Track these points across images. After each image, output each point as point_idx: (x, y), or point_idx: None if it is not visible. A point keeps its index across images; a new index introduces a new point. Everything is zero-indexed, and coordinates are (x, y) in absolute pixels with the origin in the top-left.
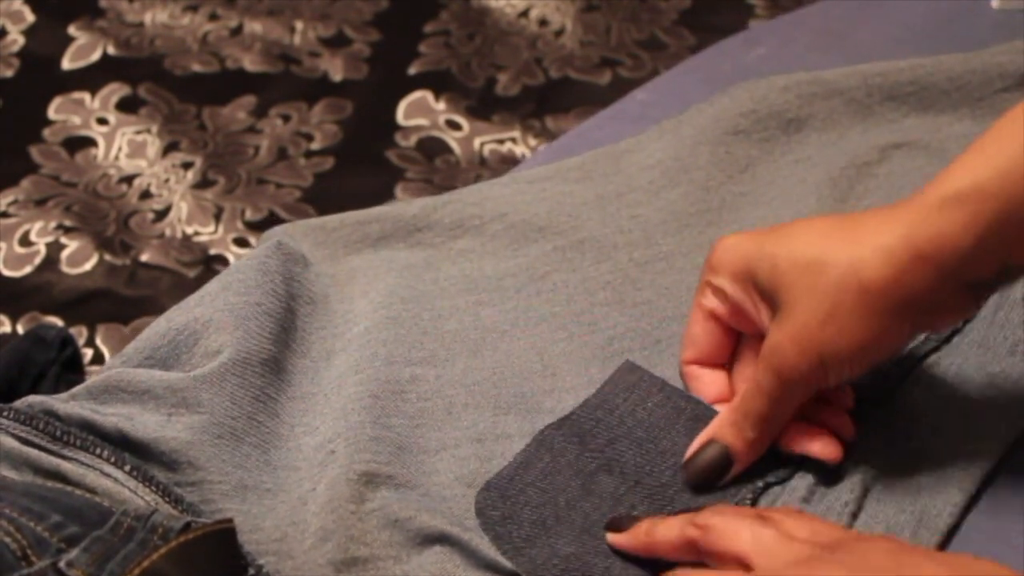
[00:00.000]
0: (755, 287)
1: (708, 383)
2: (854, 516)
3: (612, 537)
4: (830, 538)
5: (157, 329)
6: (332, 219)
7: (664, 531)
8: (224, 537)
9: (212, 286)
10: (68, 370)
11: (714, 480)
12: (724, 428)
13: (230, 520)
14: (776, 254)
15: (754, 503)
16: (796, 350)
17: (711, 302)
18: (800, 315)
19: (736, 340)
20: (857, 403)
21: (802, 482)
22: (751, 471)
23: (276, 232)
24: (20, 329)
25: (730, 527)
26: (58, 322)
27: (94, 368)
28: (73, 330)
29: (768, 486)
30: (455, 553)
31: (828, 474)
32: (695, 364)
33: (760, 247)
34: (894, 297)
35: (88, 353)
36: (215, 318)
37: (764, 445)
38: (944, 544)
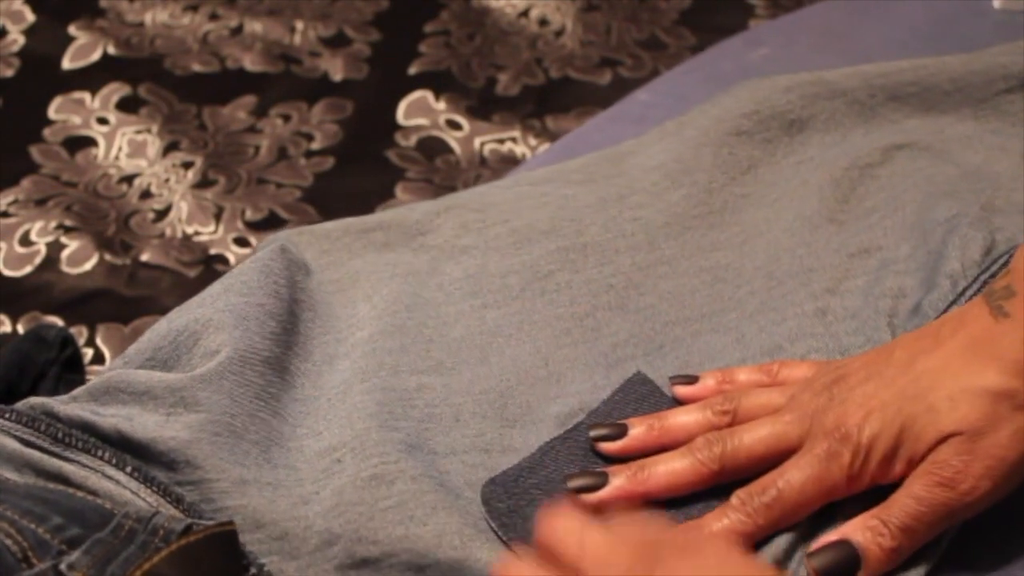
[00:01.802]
0: (908, 456)
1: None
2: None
3: (589, 498)
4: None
5: (158, 330)
6: (335, 226)
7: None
8: (225, 538)
9: (214, 288)
10: (68, 370)
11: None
12: (859, 531)
13: (231, 522)
14: (934, 407)
15: None
16: (983, 472)
17: (840, 493)
18: (986, 439)
19: None
20: None
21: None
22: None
23: (279, 237)
24: (20, 329)
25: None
26: (58, 322)
27: (94, 368)
28: (73, 330)
29: None
30: (469, 554)
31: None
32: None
33: (906, 412)
34: None
35: (88, 353)
36: (215, 318)
37: (900, 558)
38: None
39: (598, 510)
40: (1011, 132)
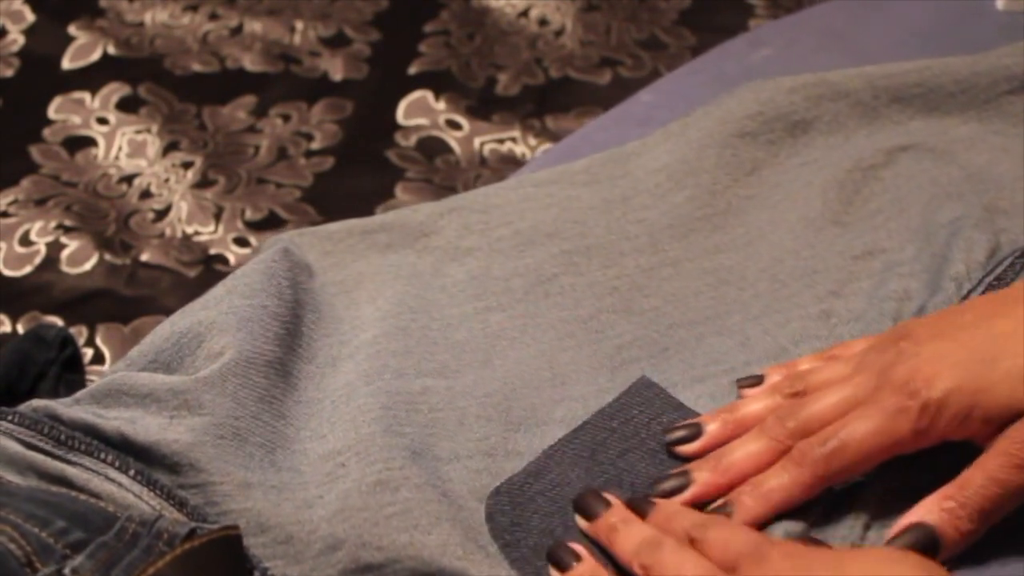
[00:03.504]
0: (991, 425)
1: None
2: (867, 527)
3: (580, 522)
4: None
5: (161, 332)
6: (338, 228)
7: (622, 542)
8: (230, 543)
9: (217, 290)
10: (68, 370)
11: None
12: (935, 512)
13: (236, 526)
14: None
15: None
16: None
17: (907, 447)
18: None
19: None
20: None
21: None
22: None
23: (282, 239)
24: (20, 329)
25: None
26: (58, 322)
27: (94, 368)
28: (73, 330)
29: None
30: (469, 567)
31: (834, 502)
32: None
33: (981, 377)
34: None
35: (88, 353)
36: (219, 320)
37: (975, 538)
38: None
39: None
40: (1014, 133)
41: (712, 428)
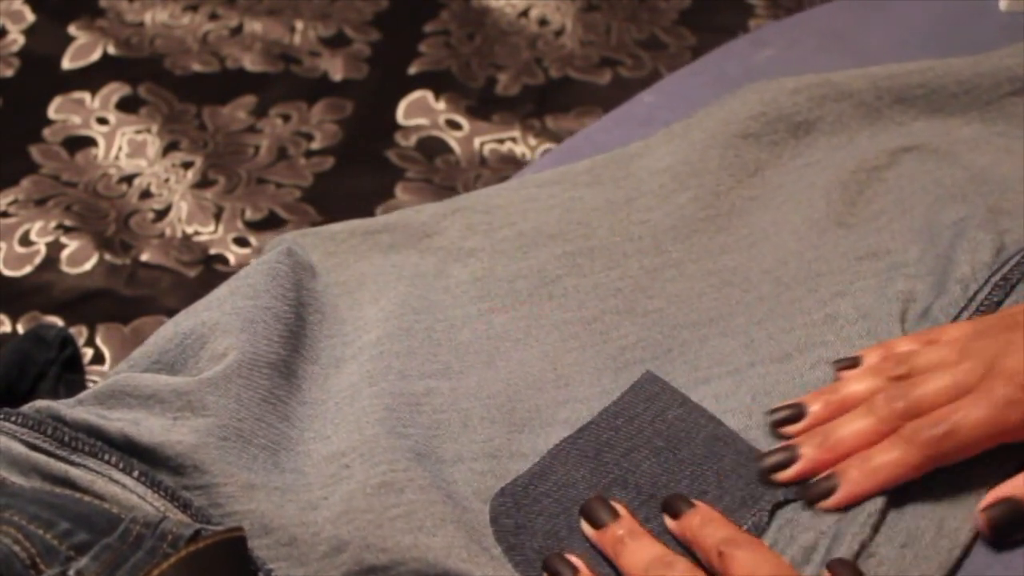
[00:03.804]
0: None
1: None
2: (876, 529)
3: (586, 528)
4: None
5: (164, 334)
6: (341, 228)
7: (630, 557)
8: (234, 545)
9: (220, 291)
10: (68, 370)
11: (1007, 535)
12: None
13: (240, 528)
14: None
15: (770, 517)
16: None
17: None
18: None
19: None
20: None
21: None
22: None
23: (286, 239)
24: (20, 329)
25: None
26: (58, 322)
27: (94, 368)
28: (73, 330)
29: (787, 501)
30: (474, 570)
31: None
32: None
33: None
34: None
35: (88, 353)
36: (222, 321)
37: None
38: (964, 555)
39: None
40: (1017, 134)
41: (815, 409)
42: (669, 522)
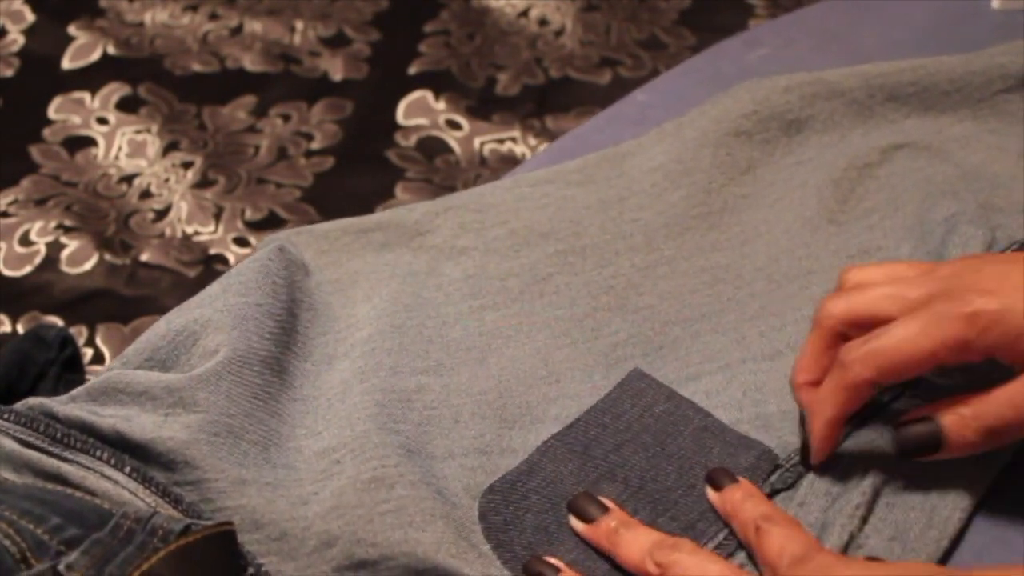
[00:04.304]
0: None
1: (858, 397)
2: (864, 520)
3: (576, 524)
4: None
5: (157, 331)
6: (334, 227)
7: (628, 545)
8: (224, 539)
9: (213, 288)
10: (68, 370)
11: (910, 455)
12: (948, 413)
13: (230, 522)
14: None
15: None
16: None
17: (948, 356)
18: None
19: None
20: (865, 405)
21: (812, 488)
22: (758, 476)
23: (278, 237)
24: (20, 329)
25: (693, 573)
26: (58, 322)
27: (94, 368)
28: (73, 330)
29: (775, 492)
30: (462, 565)
31: (839, 479)
32: (869, 384)
33: None
34: None
35: (88, 353)
36: (214, 318)
37: (975, 450)
38: (952, 547)
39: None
40: (1009, 132)
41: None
42: (711, 494)
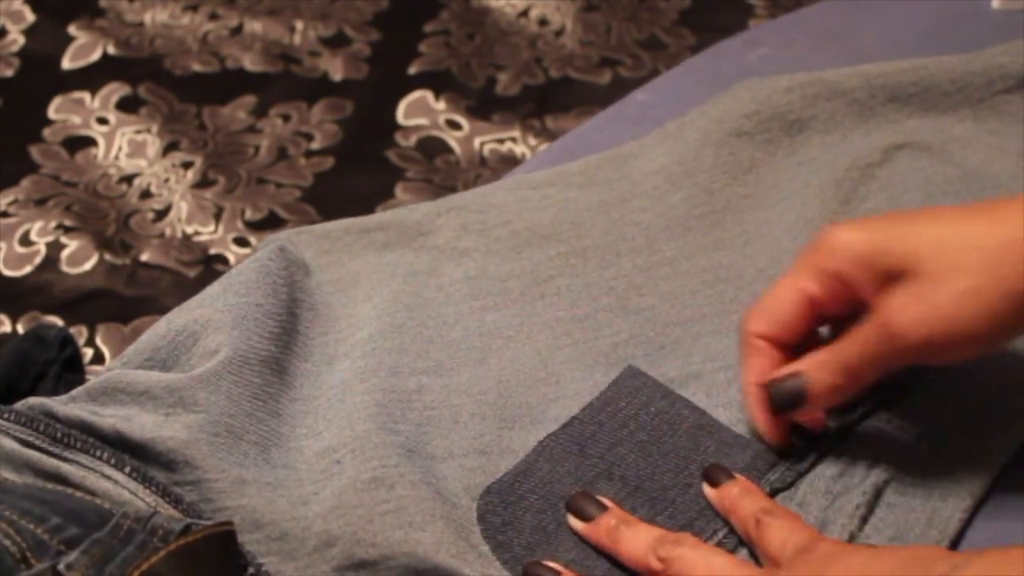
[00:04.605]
0: (879, 270)
1: (768, 359)
2: (864, 520)
3: (575, 524)
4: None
5: (157, 330)
6: (335, 227)
7: (629, 542)
8: (224, 539)
9: (213, 288)
10: (68, 370)
11: (785, 410)
12: (812, 366)
13: (230, 522)
14: (917, 233)
15: None
16: (920, 319)
17: (812, 286)
18: (937, 289)
19: (812, 329)
20: (868, 405)
21: (812, 488)
22: (756, 475)
23: (279, 237)
24: (20, 329)
25: (697, 567)
26: (58, 322)
27: (94, 368)
28: (73, 330)
29: (775, 491)
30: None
31: (839, 478)
32: (764, 339)
33: (890, 230)
34: None
35: (88, 353)
36: (214, 318)
37: (840, 396)
38: (952, 547)
39: None
40: (1009, 132)
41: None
42: (708, 491)
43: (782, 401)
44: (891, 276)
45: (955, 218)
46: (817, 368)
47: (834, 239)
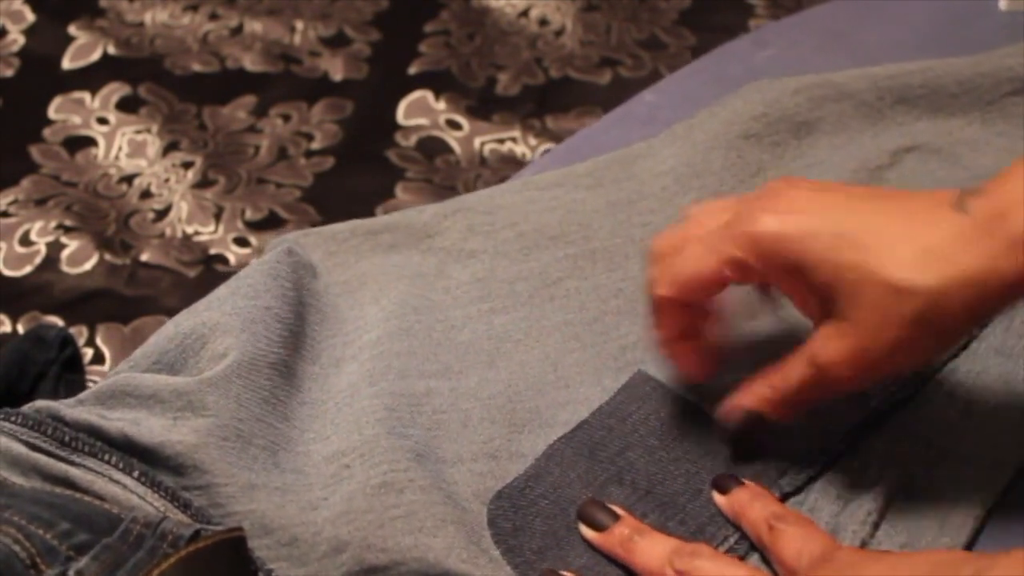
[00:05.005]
0: (794, 272)
1: (678, 318)
2: (876, 526)
3: (587, 533)
4: None
5: (165, 333)
6: (342, 228)
7: (644, 553)
8: (234, 545)
9: (221, 291)
10: (68, 370)
11: (751, 433)
12: (753, 401)
13: (240, 528)
14: (837, 261)
15: None
16: (851, 363)
17: (725, 268)
18: (864, 333)
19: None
20: (877, 411)
21: (824, 493)
22: (767, 481)
23: (287, 239)
24: (20, 329)
25: None
26: (58, 322)
27: (94, 368)
28: (73, 330)
29: (786, 496)
30: (473, 571)
31: (850, 485)
32: (673, 302)
33: (813, 240)
34: (966, 327)
35: (88, 353)
36: (222, 322)
37: (793, 416)
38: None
39: None
40: (1018, 135)
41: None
42: (718, 498)
43: (741, 428)
44: (815, 289)
45: (876, 236)
46: (759, 403)
47: (756, 229)
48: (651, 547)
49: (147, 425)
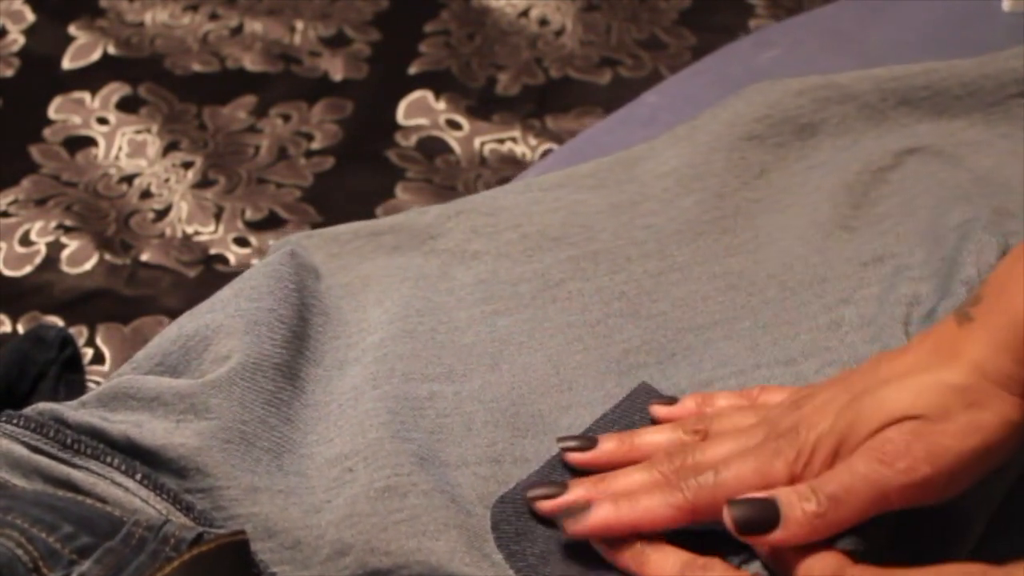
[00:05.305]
0: None
1: None
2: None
3: (599, 546)
4: None
5: (168, 335)
6: (345, 230)
7: (656, 565)
8: (238, 548)
9: (224, 293)
10: (68, 370)
11: (750, 530)
12: (786, 491)
13: (243, 531)
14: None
15: None
16: (924, 454)
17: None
18: (932, 427)
19: None
20: None
21: None
22: None
23: (289, 241)
24: (20, 329)
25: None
26: (58, 322)
27: (94, 368)
28: (73, 330)
29: None
30: (477, 573)
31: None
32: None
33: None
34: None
35: (88, 353)
36: (226, 324)
37: (827, 528)
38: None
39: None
40: (1021, 136)
41: (605, 446)
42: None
43: (748, 519)
44: None
45: (910, 371)
46: (797, 496)
47: (807, 442)
48: (663, 559)
49: (150, 428)
